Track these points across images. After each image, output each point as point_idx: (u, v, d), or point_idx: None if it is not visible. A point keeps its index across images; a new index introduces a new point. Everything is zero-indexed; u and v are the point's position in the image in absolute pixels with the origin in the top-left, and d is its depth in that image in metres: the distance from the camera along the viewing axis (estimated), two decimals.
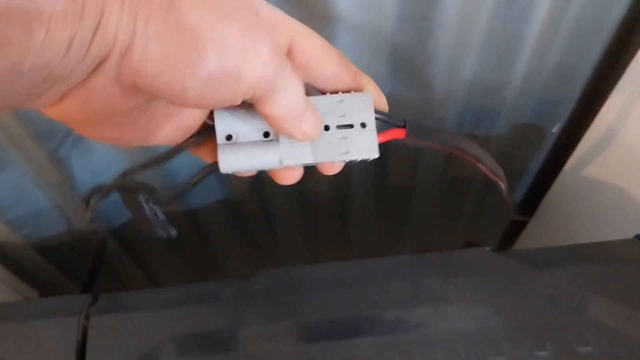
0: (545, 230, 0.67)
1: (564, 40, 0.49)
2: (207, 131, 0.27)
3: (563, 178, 0.61)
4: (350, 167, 0.58)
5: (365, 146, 0.27)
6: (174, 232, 0.28)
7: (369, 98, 0.27)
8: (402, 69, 0.48)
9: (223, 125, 0.26)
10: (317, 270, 0.40)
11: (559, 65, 0.52)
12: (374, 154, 0.27)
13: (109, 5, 0.19)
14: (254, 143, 0.26)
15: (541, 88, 0.54)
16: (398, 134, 0.29)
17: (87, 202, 0.29)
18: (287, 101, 0.24)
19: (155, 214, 0.27)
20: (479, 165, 0.34)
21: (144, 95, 0.22)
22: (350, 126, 0.27)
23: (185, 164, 0.55)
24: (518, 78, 0.51)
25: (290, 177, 0.28)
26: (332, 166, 0.28)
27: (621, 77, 0.49)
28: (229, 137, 0.26)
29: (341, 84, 0.27)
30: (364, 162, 0.28)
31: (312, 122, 0.25)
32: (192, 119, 0.26)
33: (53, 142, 0.49)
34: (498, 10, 0.44)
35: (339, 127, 0.27)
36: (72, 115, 0.22)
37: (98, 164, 0.52)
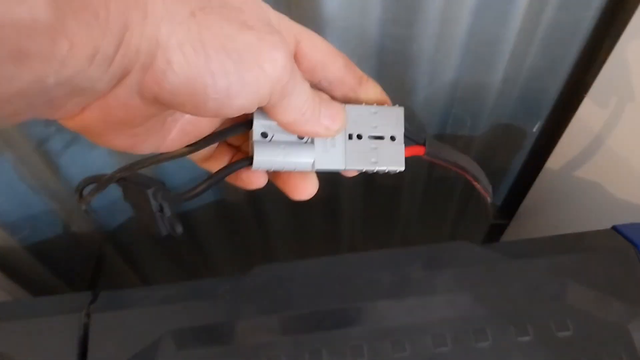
0: (526, 230, 0.69)
1: (541, 43, 0.51)
2: (218, 135, 0.27)
3: (543, 178, 0.63)
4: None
5: (393, 158, 0.28)
6: (179, 229, 0.28)
7: (400, 112, 0.29)
8: (386, 72, 0.50)
9: (260, 121, 0.26)
10: (309, 264, 0.42)
11: (537, 66, 0.54)
12: (400, 166, 0.28)
13: (133, 20, 0.19)
14: (289, 143, 0.27)
15: (520, 89, 0.56)
16: (418, 150, 0.30)
17: (80, 193, 0.28)
18: (298, 106, 0.24)
19: (161, 210, 0.27)
20: (475, 183, 0.37)
21: (163, 106, 0.22)
22: (381, 138, 0.28)
23: (184, 167, 0.56)
24: (498, 80, 0.53)
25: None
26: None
27: (596, 78, 0.51)
28: (264, 135, 0.26)
29: (346, 86, 0.28)
30: (386, 174, 0.29)
31: (332, 115, 0.26)
32: (206, 127, 0.27)
33: (48, 143, 0.50)
34: (477, 15, 0.46)
35: (371, 137, 0.28)
36: (91, 127, 0.22)
37: (95, 166, 0.53)
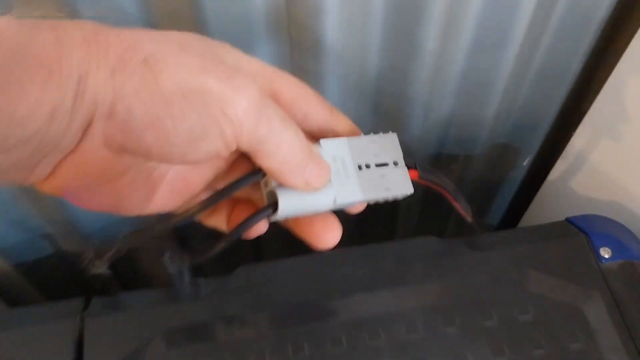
0: None
1: (531, 85, 0.55)
2: (217, 196, 0.25)
3: (535, 205, 0.67)
4: None
5: (401, 183, 0.28)
6: (203, 291, 0.28)
7: (394, 138, 0.29)
8: (383, 112, 0.53)
9: None
10: (289, 263, 0.45)
11: (527, 107, 0.57)
12: (409, 190, 0.29)
13: (87, 72, 0.19)
14: None
15: (511, 126, 0.60)
16: (413, 174, 0.30)
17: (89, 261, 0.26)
18: (280, 154, 0.23)
19: (181, 273, 0.26)
20: (455, 203, 0.40)
21: (132, 154, 0.22)
22: (386, 164, 0.28)
23: None
24: (490, 118, 0.56)
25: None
26: (361, 205, 0.28)
27: (582, 120, 0.55)
28: None
29: (320, 117, 0.28)
30: (395, 199, 0.29)
31: (318, 173, 0.25)
32: (197, 182, 0.26)
33: None
34: (470, 59, 0.49)
35: (377, 165, 0.28)
36: (67, 186, 0.22)
37: None
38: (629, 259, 0.44)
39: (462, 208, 0.42)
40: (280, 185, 0.25)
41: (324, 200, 0.26)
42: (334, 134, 0.28)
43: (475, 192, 0.68)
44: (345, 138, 0.28)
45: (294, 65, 0.44)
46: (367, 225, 0.68)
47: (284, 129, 0.23)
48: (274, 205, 0.25)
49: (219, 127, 0.21)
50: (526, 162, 0.65)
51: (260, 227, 0.27)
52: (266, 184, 0.26)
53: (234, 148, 0.23)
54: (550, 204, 0.61)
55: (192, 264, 0.26)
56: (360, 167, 0.28)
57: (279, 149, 0.23)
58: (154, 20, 0.39)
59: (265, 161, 0.23)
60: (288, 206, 0.25)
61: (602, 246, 0.45)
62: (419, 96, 0.50)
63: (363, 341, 0.41)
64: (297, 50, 0.43)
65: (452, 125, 0.57)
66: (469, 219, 0.43)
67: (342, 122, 0.29)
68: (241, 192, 0.28)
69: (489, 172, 0.65)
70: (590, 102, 0.53)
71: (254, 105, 0.22)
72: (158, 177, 0.25)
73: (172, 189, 0.25)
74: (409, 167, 0.29)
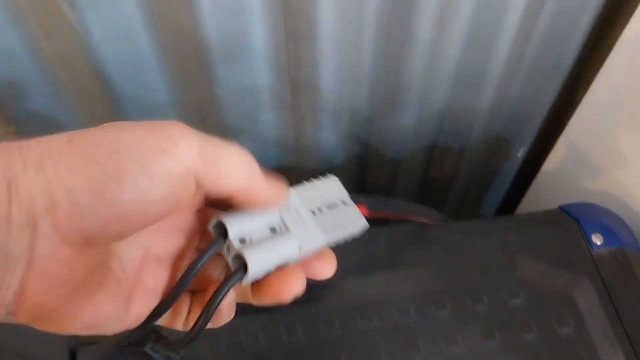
0: None
1: (525, 76, 0.55)
2: (190, 272, 0.24)
3: (530, 196, 0.67)
4: (332, 171, 0.61)
5: (354, 219, 0.29)
6: None
7: (335, 180, 0.30)
8: (378, 101, 0.54)
9: (233, 228, 0.25)
10: None
11: (521, 95, 0.58)
12: (364, 224, 0.29)
13: (14, 173, 0.19)
14: (268, 238, 0.26)
15: (505, 117, 0.60)
16: (362, 210, 0.31)
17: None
18: (237, 169, 0.23)
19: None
20: (419, 219, 0.42)
21: (94, 243, 0.21)
22: (336, 206, 0.29)
23: None
24: (485, 107, 0.57)
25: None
26: (328, 263, 0.27)
27: (575, 111, 0.55)
28: (243, 240, 0.25)
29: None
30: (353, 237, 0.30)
31: (278, 185, 0.25)
32: (158, 278, 0.25)
33: None
34: (464, 49, 0.49)
35: (329, 208, 0.28)
36: (40, 305, 0.20)
37: None
38: (620, 246, 0.45)
39: (425, 219, 0.43)
40: (246, 207, 0.25)
41: (290, 249, 0.26)
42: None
43: (469, 184, 0.68)
44: (292, 188, 0.28)
45: (289, 53, 0.44)
46: None
47: (229, 147, 0.23)
48: (242, 268, 0.24)
49: (165, 167, 0.21)
50: (520, 154, 0.66)
51: (227, 313, 0.25)
52: (228, 249, 0.25)
53: (193, 185, 0.22)
54: (545, 195, 0.62)
55: (177, 348, 0.25)
56: (314, 213, 0.28)
57: (235, 165, 0.23)
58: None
59: (227, 181, 0.23)
60: (257, 263, 0.24)
61: (594, 233, 0.45)
62: (413, 86, 0.51)
63: (355, 325, 0.42)
64: (291, 37, 0.43)
65: (447, 116, 0.57)
66: (435, 224, 0.45)
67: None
68: (197, 284, 0.26)
69: (483, 164, 0.66)
70: (583, 93, 0.54)
71: (191, 131, 0.22)
72: (128, 276, 0.24)
73: (145, 288, 0.24)
74: (357, 204, 0.30)
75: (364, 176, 0.65)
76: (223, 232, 0.25)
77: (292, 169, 0.61)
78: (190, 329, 0.24)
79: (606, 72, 0.49)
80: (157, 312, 0.24)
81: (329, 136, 0.56)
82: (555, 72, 0.56)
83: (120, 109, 0.46)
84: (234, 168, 0.23)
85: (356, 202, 0.30)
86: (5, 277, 0.19)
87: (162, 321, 0.25)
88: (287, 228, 0.26)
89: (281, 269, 0.25)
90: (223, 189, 0.23)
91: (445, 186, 0.68)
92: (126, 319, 0.23)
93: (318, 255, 0.27)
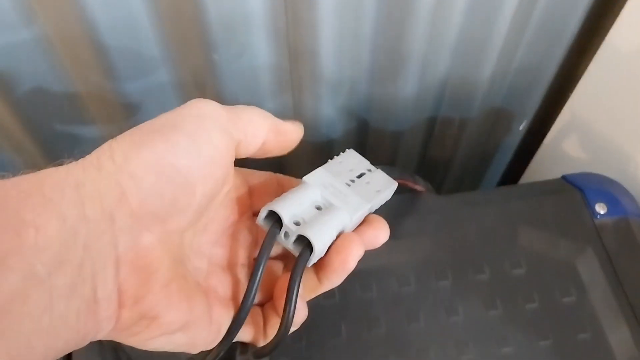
0: None
1: (528, 45, 0.54)
2: (254, 274, 0.25)
3: (532, 168, 0.66)
4: (331, 147, 0.61)
5: (385, 182, 0.31)
6: None
7: (353, 152, 0.32)
8: (379, 69, 0.52)
9: (286, 214, 0.25)
10: None
11: (524, 66, 0.57)
12: (394, 183, 0.31)
13: (77, 177, 0.20)
14: (318, 215, 0.26)
15: (507, 88, 0.59)
16: None
17: None
18: (260, 116, 0.26)
19: None
20: (418, 187, 0.42)
21: (171, 234, 0.23)
22: (362, 174, 0.30)
23: None
24: (486, 79, 0.56)
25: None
26: (381, 229, 0.28)
27: (579, 81, 0.54)
28: (297, 223, 0.26)
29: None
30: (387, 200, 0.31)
31: (290, 123, 0.28)
32: (226, 287, 0.26)
33: None
34: (466, 15, 0.48)
35: (358, 177, 0.30)
36: (141, 298, 0.21)
37: None
38: (624, 215, 0.44)
39: (426, 190, 0.43)
40: (280, 147, 0.27)
41: (343, 219, 0.27)
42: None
43: (470, 158, 0.67)
44: (321, 167, 0.29)
45: (288, 16, 0.43)
46: None
47: (242, 106, 0.26)
48: (306, 248, 0.25)
49: (203, 128, 0.23)
50: (522, 127, 0.65)
51: (302, 310, 0.26)
52: (286, 235, 0.25)
53: (228, 138, 0.24)
54: (547, 167, 0.61)
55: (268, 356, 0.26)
56: (348, 185, 0.29)
57: (255, 114, 0.26)
58: None
59: (257, 130, 0.26)
60: (319, 239, 0.25)
61: (597, 202, 0.44)
62: (414, 54, 0.50)
63: (355, 294, 0.41)
64: (290, 0, 0.42)
65: (448, 86, 0.56)
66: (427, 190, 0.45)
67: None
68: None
69: (484, 138, 0.65)
70: (587, 63, 0.53)
71: (213, 102, 0.24)
72: (201, 283, 0.25)
73: (217, 295, 0.26)
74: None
75: (363, 150, 0.64)
76: (274, 222, 0.25)
77: None
78: (280, 326, 0.25)
79: (611, 41, 0.48)
80: (239, 319, 0.24)
81: (328, 108, 0.55)
82: (559, 42, 0.55)
83: (114, 76, 0.45)
84: (257, 118, 0.26)
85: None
86: (99, 277, 0.20)
87: (243, 336, 0.26)
88: (331, 203, 0.27)
89: (337, 238, 0.26)
90: (256, 138, 0.26)
91: (446, 160, 0.67)
92: (211, 326, 0.24)
93: (368, 223, 0.28)
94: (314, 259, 0.25)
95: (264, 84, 0.50)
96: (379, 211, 0.31)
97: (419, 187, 0.42)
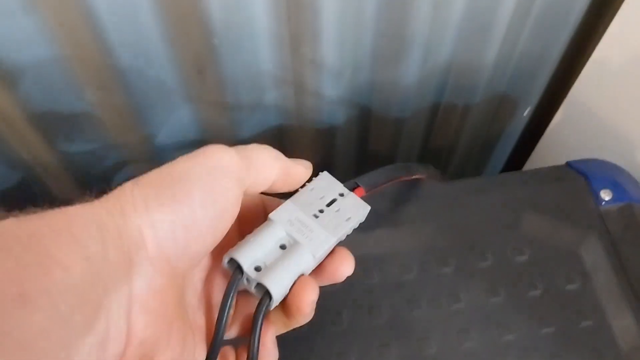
0: None
1: (531, 30, 0.53)
2: (222, 317, 0.26)
3: (536, 155, 0.65)
4: (333, 134, 0.60)
5: (356, 207, 0.30)
6: None
7: (327, 175, 0.31)
8: (381, 55, 0.51)
9: (246, 261, 0.26)
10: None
11: (528, 51, 0.56)
12: (366, 207, 0.30)
13: (101, 219, 0.21)
14: (282, 258, 0.27)
15: (511, 74, 0.58)
16: (360, 192, 0.33)
17: None
18: (271, 159, 0.27)
19: None
20: (418, 175, 0.41)
21: (178, 277, 0.24)
22: (334, 200, 0.30)
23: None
24: (489, 65, 0.55)
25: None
26: (341, 264, 0.29)
27: (585, 65, 0.53)
28: (258, 268, 0.26)
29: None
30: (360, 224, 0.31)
31: (302, 162, 0.29)
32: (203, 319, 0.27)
33: None
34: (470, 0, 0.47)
35: (328, 205, 0.29)
36: (145, 341, 0.22)
37: None
38: (629, 201, 0.44)
39: (423, 175, 0.42)
40: (287, 188, 0.28)
41: (305, 260, 0.27)
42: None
43: (473, 146, 0.67)
44: (288, 200, 0.29)
45: (289, 1, 0.42)
46: (365, 165, 0.68)
47: (255, 146, 0.27)
48: (267, 294, 0.26)
49: (218, 182, 0.24)
50: (526, 113, 0.64)
51: (272, 348, 0.27)
52: (248, 281, 0.26)
53: (240, 187, 0.25)
54: (551, 154, 0.61)
55: None
56: (316, 216, 0.29)
57: (267, 157, 0.27)
58: None
59: (267, 174, 0.27)
60: (278, 285, 0.26)
61: (602, 189, 0.44)
62: (417, 38, 0.49)
63: (357, 280, 0.41)
64: None
65: (451, 72, 0.55)
66: (435, 179, 0.45)
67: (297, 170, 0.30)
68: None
69: (488, 124, 0.64)
70: (591, 49, 0.52)
71: (228, 149, 0.26)
72: (192, 323, 0.26)
73: (199, 327, 0.27)
74: (352, 190, 0.31)
75: (365, 138, 0.64)
76: (237, 267, 0.26)
77: (293, 131, 0.60)
78: None
79: (616, 27, 0.48)
80: (214, 354, 0.26)
81: (329, 94, 0.54)
82: (563, 27, 0.55)
83: (114, 59, 0.45)
84: (269, 162, 0.27)
85: (352, 187, 0.32)
86: (113, 317, 0.21)
87: None
88: (295, 241, 0.27)
89: (296, 282, 0.26)
90: (266, 181, 0.27)
91: (449, 147, 0.66)
92: None
93: (331, 257, 0.28)
94: (273, 304, 0.26)
95: (265, 70, 0.50)
96: (380, 201, 0.30)
97: (420, 176, 0.42)
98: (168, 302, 0.23)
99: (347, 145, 0.63)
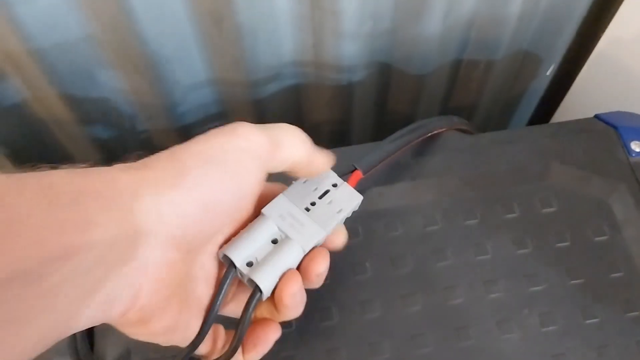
0: None
1: None
2: (210, 315, 0.28)
3: (561, 112, 0.64)
4: (352, 91, 0.59)
5: (348, 197, 0.31)
6: None
7: None
8: (403, 6, 0.50)
9: (238, 257, 0.27)
10: None
11: (552, 7, 0.54)
12: (358, 198, 0.32)
13: (133, 192, 0.22)
14: (272, 252, 0.28)
15: (534, 30, 0.57)
16: (357, 176, 0.34)
17: None
18: (297, 147, 0.28)
19: None
20: (436, 132, 0.41)
21: (192, 251, 0.25)
22: (327, 192, 0.31)
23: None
24: (513, 18, 0.53)
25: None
26: (338, 237, 0.31)
27: (614, 16, 0.51)
28: (250, 264, 0.28)
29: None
30: (355, 209, 0.32)
31: (325, 154, 0.30)
32: (206, 296, 0.28)
33: None
34: None
35: (320, 197, 0.31)
36: (147, 306, 0.24)
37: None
38: None
39: (439, 129, 0.42)
40: (305, 175, 0.30)
41: (295, 254, 0.28)
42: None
43: (496, 103, 0.65)
44: (281, 194, 0.30)
45: None
46: (384, 126, 0.66)
47: (284, 127, 0.28)
48: (257, 288, 0.27)
49: (243, 165, 0.25)
50: (550, 71, 0.62)
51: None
52: (241, 275, 0.28)
53: (263, 170, 0.27)
54: (578, 109, 0.59)
55: None
56: (307, 209, 0.30)
57: (294, 141, 0.28)
58: None
59: (291, 156, 0.28)
60: (267, 280, 0.27)
61: (632, 140, 0.43)
62: None
63: (380, 232, 0.40)
64: None
65: (474, 25, 0.54)
66: (472, 131, 0.44)
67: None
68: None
69: (511, 81, 0.63)
70: (619, 2, 0.50)
71: (256, 129, 0.26)
72: (193, 295, 0.27)
73: (199, 303, 0.28)
74: (351, 172, 0.33)
75: (385, 97, 0.63)
76: (231, 262, 0.27)
77: (311, 88, 0.58)
78: (228, 347, 0.28)
79: None
80: (201, 333, 0.27)
81: (349, 48, 0.53)
82: None
83: (129, 13, 0.44)
84: (295, 145, 0.28)
85: (350, 171, 0.33)
86: (126, 279, 0.23)
87: (203, 349, 0.29)
88: (286, 235, 0.29)
89: (283, 275, 0.28)
90: (286, 162, 0.28)
91: (470, 105, 0.65)
92: (186, 332, 0.27)
93: (309, 257, 0.29)
94: (265, 296, 0.28)
95: (283, 21, 0.49)
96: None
97: (435, 132, 0.41)
98: (175, 274, 0.25)
99: (366, 105, 0.62)
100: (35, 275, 0.19)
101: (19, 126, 0.54)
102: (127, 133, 0.59)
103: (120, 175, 0.23)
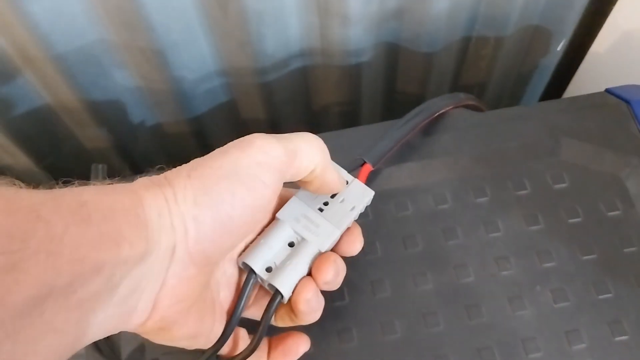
0: None
1: None
2: (229, 324, 0.29)
3: (572, 88, 0.62)
4: (360, 72, 0.59)
5: (360, 193, 0.32)
6: None
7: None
8: None
9: (257, 264, 0.28)
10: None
11: None
12: (370, 193, 0.32)
13: (160, 207, 0.24)
14: (289, 256, 0.29)
15: (545, 4, 0.56)
16: (367, 170, 0.34)
17: None
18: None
19: None
20: (443, 110, 0.42)
21: (210, 265, 0.26)
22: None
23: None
24: None
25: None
26: (354, 243, 0.31)
27: None
28: (269, 269, 0.29)
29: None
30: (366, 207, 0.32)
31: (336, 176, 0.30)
32: (228, 302, 0.30)
33: None
34: None
35: (332, 196, 0.31)
36: (165, 318, 0.25)
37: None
38: None
39: (447, 108, 0.42)
40: (318, 190, 0.30)
41: (312, 256, 0.29)
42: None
43: (506, 80, 0.64)
44: (294, 197, 0.30)
45: None
46: (393, 107, 0.66)
47: (303, 137, 0.28)
48: (277, 292, 0.28)
49: (260, 180, 0.26)
50: (560, 47, 0.61)
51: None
52: (262, 280, 0.29)
53: (280, 183, 0.27)
54: (590, 84, 0.58)
55: None
56: (321, 210, 0.30)
57: (312, 153, 0.28)
58: None
59: (307, 170, 0.28)
60: (287, 284, 0.28)
61: None
62: None
63: (390, 213, 0.40)
64: None
65: (483, 1, 0.53)
66: (483, 108, 0.44)
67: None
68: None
69: (521, 58, 0.62)
70: None
71: (273, 141, 0.27)
72: (215, 297, 0.28)
73: (222, 309, 0.29)
74: (360, 166, 0.33)
75: (393, 76, 0.62)
76: (251, 268, 0.28)
77: (318, 70, 0.58)
78: (247, 346, 0.29)
79: None
80: (224, 337, 0.28)
81: (356, 26, 0.52)
82: None
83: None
84: (312, 152, 0.28)
85: (359, 164, 0.33)
86: (146, 292, 0.24)
87: (224, 350, 0.30)
88: (302, 237, 0.29)
89: (299, 282, 0.29)
90: (303, 171, 0.28)
91: (480, 83, 0.64)
92: (210, 336, 0.28)
93: (318, 262, 0.29)
94: (286, 299, 0.29)
95: (288, 3, 0.48)
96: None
97: (443, 111, 0.41)
98: (195, 287, 0.26)
99: (374, 85, 0.61)
100: (70, 289, 0.20)
101: (28, 115, 0.55)
102: (137, 126, 0.59)
103: (145, 194, 0.24)
